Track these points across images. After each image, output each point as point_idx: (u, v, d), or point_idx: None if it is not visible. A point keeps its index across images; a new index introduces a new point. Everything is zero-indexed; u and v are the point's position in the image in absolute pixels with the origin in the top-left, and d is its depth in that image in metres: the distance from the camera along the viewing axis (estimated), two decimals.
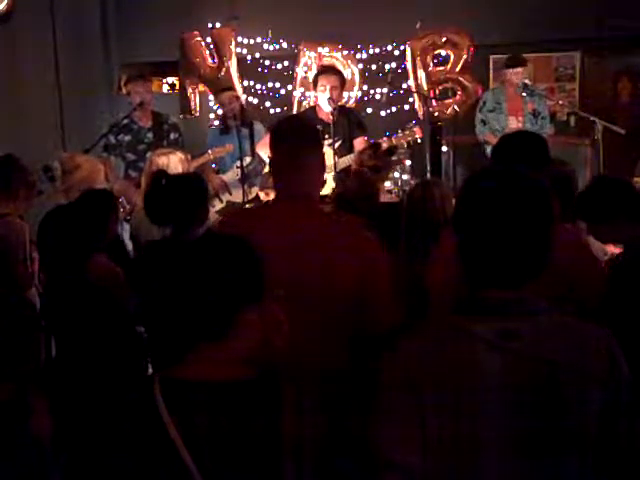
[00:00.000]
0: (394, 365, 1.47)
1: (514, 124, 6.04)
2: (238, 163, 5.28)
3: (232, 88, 6.17)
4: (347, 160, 4.91)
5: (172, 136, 5.35)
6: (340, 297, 2.10)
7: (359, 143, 5.09)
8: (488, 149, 6.02)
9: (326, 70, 5.41)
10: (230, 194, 5.57)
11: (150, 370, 3.13)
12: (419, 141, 5.47)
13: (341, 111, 5.19)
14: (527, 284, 1.45)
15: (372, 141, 5.00)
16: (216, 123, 6.56)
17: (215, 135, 5.81)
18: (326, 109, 5.05)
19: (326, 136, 5.03)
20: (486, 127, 6.14)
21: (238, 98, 5.89)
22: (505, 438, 1.41)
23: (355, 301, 2.12)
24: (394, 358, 1.49)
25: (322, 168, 2.34)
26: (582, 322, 1.48)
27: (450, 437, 1.41)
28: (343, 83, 5.28)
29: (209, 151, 5.38)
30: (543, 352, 1.40)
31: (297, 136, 2.28)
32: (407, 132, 5.22)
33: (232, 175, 5.57)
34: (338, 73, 5.32)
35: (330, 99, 5.01)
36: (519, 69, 5.99)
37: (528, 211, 1.41)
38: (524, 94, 6.01)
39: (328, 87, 5.04)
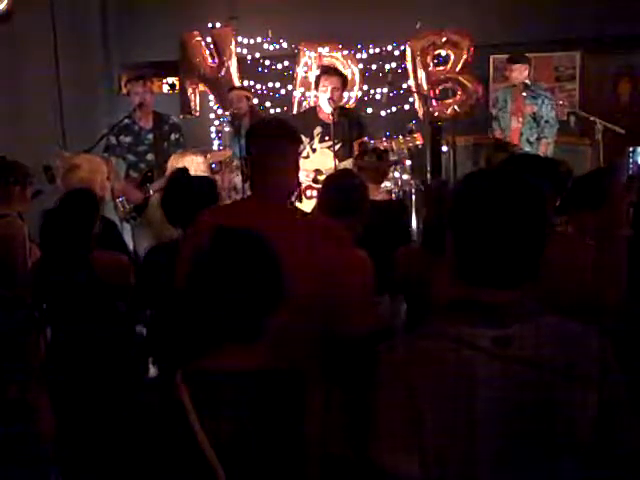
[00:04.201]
0: (391, 374, 1.46)
1: (515, 124, 6.05)
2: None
3: (243, 88, 6.16)
4: (347, 164, 4.85)
5: (173, 136, 5.31)
6: (300, 299, 1.97)
7: (360, 145, 5.06)
8: None
9: (328, 71, 5.39)
10: (237, 194, 5.56)
11: (151, 366, 3.13)
12: (419, 147, 5.47)
13: (342, 112, 5.18)
14: (521, 286, 1.44)
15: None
16: (216, 123, 6.55)
17: (231, 136, 5.75)
18: (326, 110, 5.04)
19: (326, 137, 5.03)
20: (496, 123, 6.16)
21: (249, 98, 5.88)
22: (502, 445, 1.40)
23: (320, 303, 2.07)
24: (390, 367, 1.47)
25: (293, 168, 2.34)
26: (573, 323, 1.48)
27: (447, 445, 1.41)
28: (344, 84, 5.27)
29: (207, 155, 5.36)
30: (536, 356, 1.40)
31: (266, 136, 2.32)
32: (409, 138, 5.20)
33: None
34: (340, 74, 5.30)
35: (330, 99, 5.00)
36: (517, 65, 5.97)
37: (522, 211, 1.40)
38: (524, 94, 6.01)
39: (329, 88, 5.02)
